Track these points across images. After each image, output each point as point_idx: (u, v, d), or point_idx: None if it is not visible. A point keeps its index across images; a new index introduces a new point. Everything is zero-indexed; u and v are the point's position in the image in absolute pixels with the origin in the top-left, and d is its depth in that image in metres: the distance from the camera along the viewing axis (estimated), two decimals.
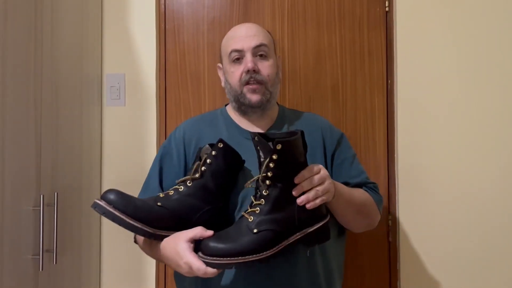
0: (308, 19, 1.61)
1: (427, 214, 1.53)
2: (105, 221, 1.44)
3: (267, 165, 0.95)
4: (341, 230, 1.20)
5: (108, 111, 1.60)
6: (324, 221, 1.01)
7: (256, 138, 0.98)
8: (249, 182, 1.02)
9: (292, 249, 1.05)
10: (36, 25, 1.17)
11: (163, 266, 1.57)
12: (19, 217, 1.09)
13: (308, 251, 1.07)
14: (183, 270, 0.96)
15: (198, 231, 0.96)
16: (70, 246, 1.35)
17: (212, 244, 0.92)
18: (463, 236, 1.52)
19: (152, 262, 1.55)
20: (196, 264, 0.92)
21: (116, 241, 1.56)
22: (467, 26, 1.55)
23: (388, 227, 1.57)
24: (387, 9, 1.60)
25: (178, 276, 1.19)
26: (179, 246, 0.95)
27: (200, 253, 0.93)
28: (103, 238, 1.58)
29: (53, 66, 1.26)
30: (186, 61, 1.63)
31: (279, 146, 0.94)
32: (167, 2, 1.63)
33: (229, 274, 1.07)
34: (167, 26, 1.63)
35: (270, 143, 0.95)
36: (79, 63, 1.45)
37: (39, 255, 1.13)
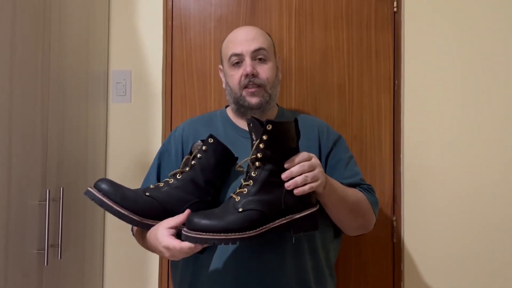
0: (316, 18, 1.61)
1: (432, 215, 1.52)
2: (109, 216, 1.45)
3: (257, 146, 0.97)
4: (337, 233, 1.19)
5: (114, 108, 1.60)
6: (312, 209, 1.00)
7: (250, 123, 1.00)
8: (239, 164, 1.03)
9: (279, 243, 1.07)
10: (43, 21, 1.17)
11: (166, 261, 1.57)
12: (25, 211, 1.09)
13: (294, 238, 1.06)
14: (165, 255, 0.99)
15: (179, 219, 0.99)
16: (74, 241, 1.35)
17: (196, 219, 0.94)
18: (468, 237, 1.51)
19: (155, 257, 1.56)
20: (172, 243, 0.95)
21: (120, 236, 1.56)
22: (475, 26, 1.54)
23: (393, 228, 1.57)
24: (395, 9, 1.59)
25: (171, 269, 1.23)
26: (158, 232, 0.99)
27: (184, 228, 0.95)
28: (107, 233, 1.58)
29: (60, 62, 1.26)
30: (192, 59, 1.62)
31: (269, 127, 0.96)
32: None
33: (216, 268, 1.08)
34: (174, 23, 1.63)
35: (262, 126, 0.97)
36: (85, 60, 1.45)
37: (44, 250, 1.13)
